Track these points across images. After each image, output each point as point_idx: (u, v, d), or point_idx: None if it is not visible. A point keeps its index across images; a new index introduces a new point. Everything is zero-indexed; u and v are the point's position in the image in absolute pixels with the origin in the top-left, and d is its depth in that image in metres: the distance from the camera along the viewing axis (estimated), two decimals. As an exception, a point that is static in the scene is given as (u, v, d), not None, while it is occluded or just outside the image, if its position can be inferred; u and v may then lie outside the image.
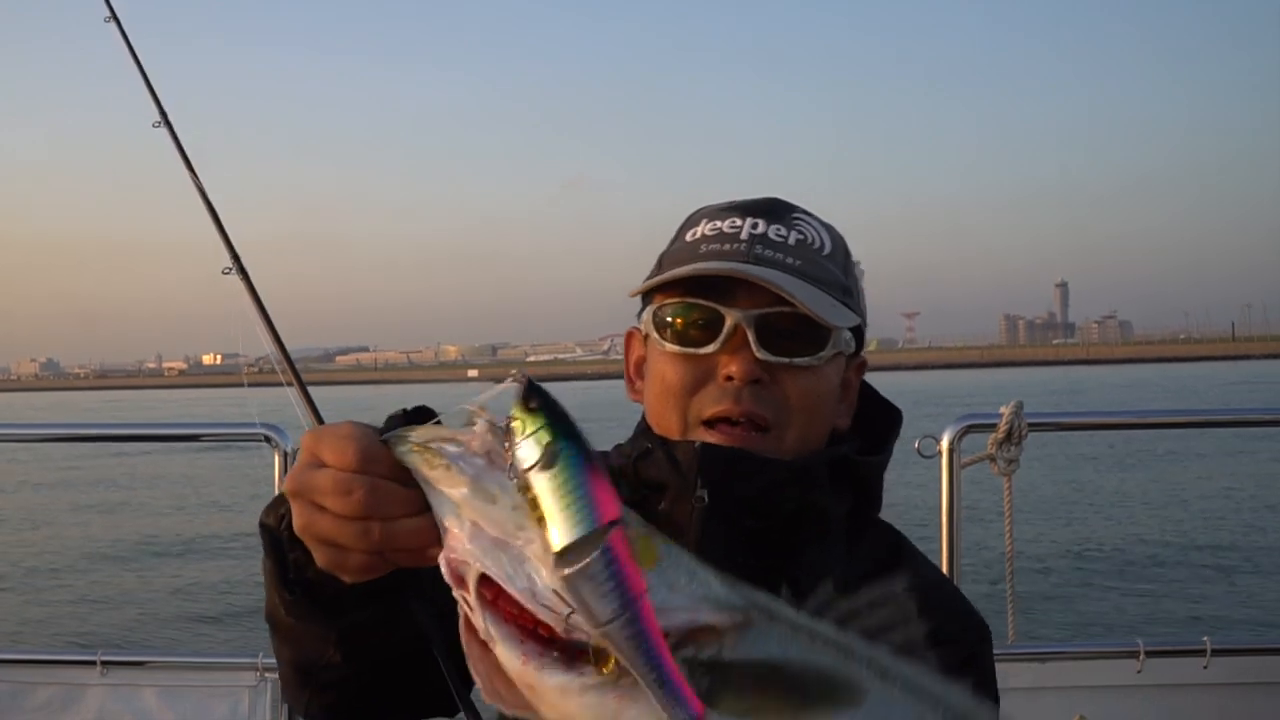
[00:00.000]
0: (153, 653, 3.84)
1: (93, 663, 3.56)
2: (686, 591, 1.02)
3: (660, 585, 0.99)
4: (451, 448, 1.07)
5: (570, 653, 0.99)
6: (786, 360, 1.65)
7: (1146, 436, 23.93)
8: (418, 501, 1.11)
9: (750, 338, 1.65)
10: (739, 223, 1.77)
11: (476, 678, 1.09)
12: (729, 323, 1.67)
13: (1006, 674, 3.47)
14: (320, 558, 1.22)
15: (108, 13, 2.56)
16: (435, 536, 1.10)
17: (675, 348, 1.71)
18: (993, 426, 3.48)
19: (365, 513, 1.14)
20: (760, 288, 1.65)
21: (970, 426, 3.48)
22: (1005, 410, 3.48)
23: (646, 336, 1.79)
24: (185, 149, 2.41)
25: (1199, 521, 18.30)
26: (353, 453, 1.14)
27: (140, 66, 2.52)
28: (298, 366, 2.20)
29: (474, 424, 1.07)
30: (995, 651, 3.51)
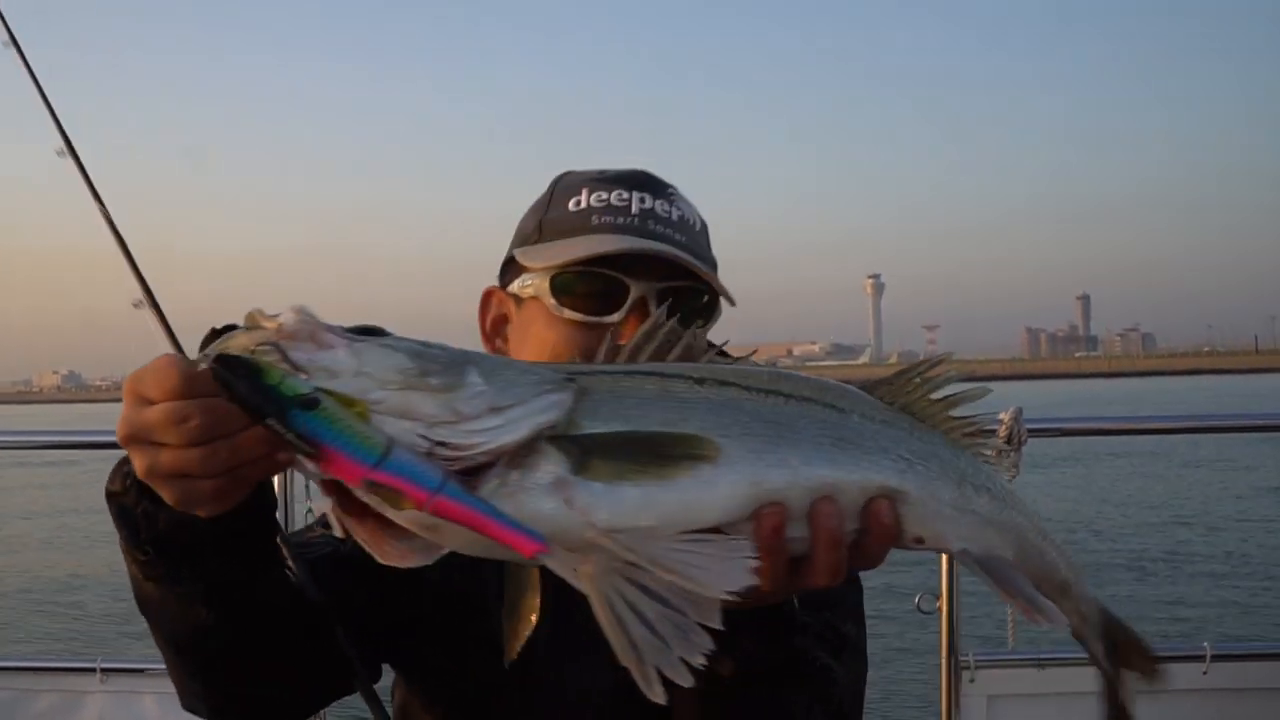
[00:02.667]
0: (152, 660, 3.83)
1: (92, 670, 3.57)
2: (507, 407, 1.17)
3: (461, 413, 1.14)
4: (283, 343, 1.11)
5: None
6: None
7: (1145, 443, 23.77)
8: None
9: (652, 308, 1.73)
10: (625, 196, 1.84)
11: (376, 551, 1.18)
12: (634, 294, 1.76)
13: (1007, 679, 3.46)
14: (171, 495, 1.20)
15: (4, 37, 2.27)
16: (278, 442, 1.09)
17: (576, 315, 1.78)
18: (992, 433, 3.46)
19: (207, 435, 1.13)
20: (656, 261, 1.76)
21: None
22: (1005, 416, 3.47)
23: (520, 300, 1.87)
24: (91, 179, 2.20)
25: (1198, 527, 18.20)
26: (176, 379, 1.13)
27: (43, 92, 2.27)
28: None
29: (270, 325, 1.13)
30: (995, 657, 3.52)
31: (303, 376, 1.09)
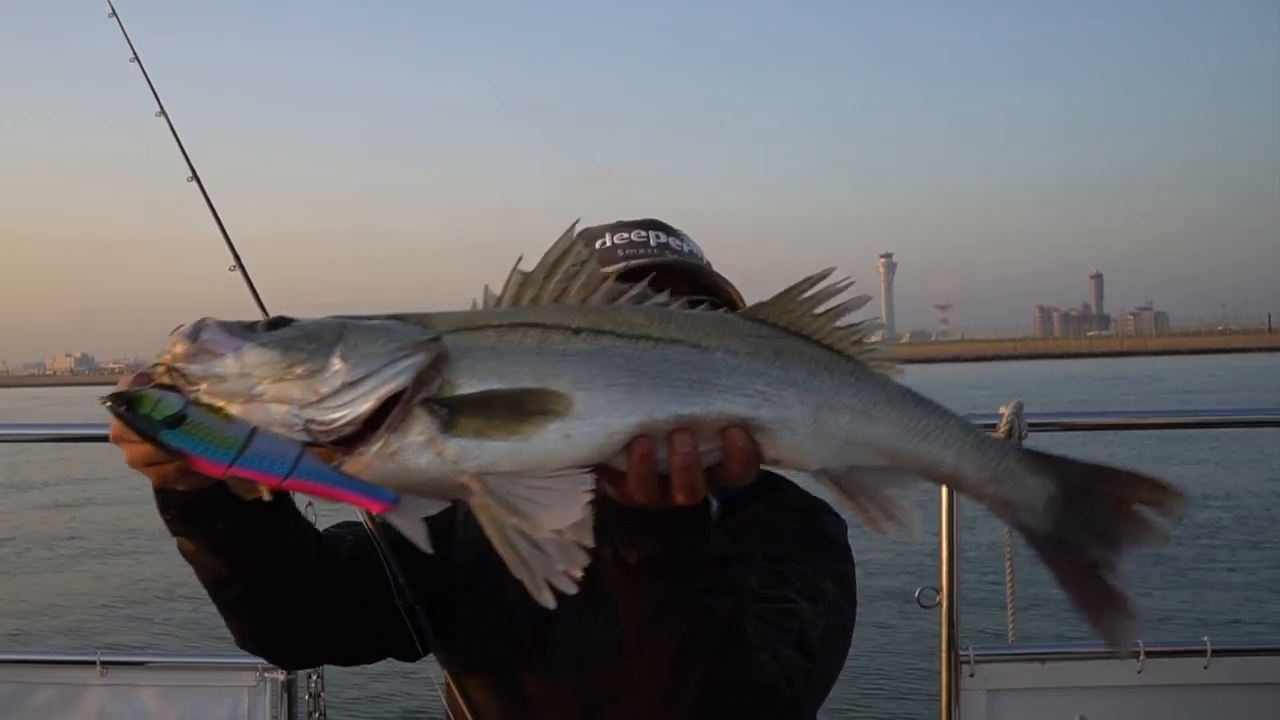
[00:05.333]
0: (152, 653, 3.87)
1: (92, 663, 3.57)
2: (360, 380, 1.39)
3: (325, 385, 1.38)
4: (178, 364, 1.41)
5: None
6: None
7: (1146, 437, 23.57)
8: None
9: None
10: (644, 234, 2.17)
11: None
12: None
13: (1006, 675, 3.46)
14: (151, 478, 1.58)
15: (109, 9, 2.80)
16: None
17: None
18: (993, 427, 3.45)
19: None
20: (674, 281, 1.94)
21: (970, 427, 3.45)
22: (1005, 410, 3.45)
23: None
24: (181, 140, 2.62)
25: (1200, 521, 18.03)
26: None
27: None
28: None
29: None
30: (995, 652, 3.51)
31: (201, 387, 1.38)
